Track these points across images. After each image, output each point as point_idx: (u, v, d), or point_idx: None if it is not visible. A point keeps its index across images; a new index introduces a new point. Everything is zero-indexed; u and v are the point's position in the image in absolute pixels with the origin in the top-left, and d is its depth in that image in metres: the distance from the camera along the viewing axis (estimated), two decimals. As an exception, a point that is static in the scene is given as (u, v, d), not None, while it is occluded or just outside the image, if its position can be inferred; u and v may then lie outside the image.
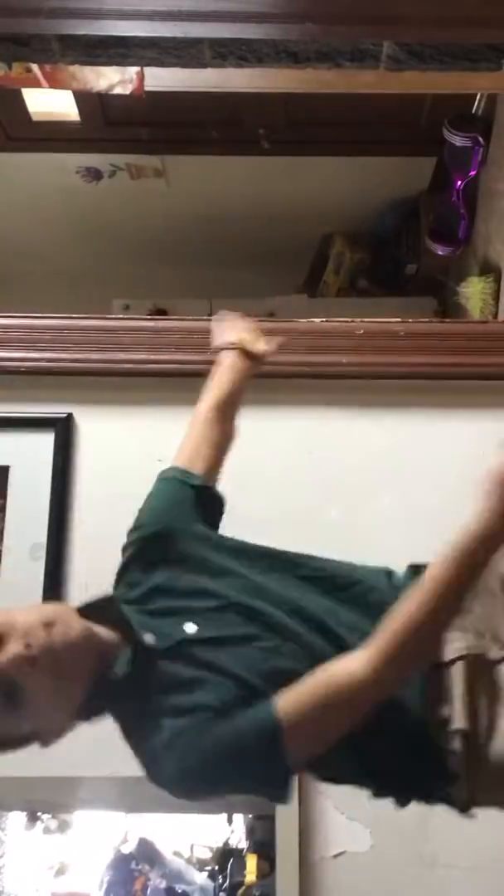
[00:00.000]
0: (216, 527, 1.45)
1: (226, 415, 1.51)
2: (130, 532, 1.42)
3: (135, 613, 1.25)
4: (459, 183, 3.64)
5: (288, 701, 1.12)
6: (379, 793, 1.31)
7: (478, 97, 3.48)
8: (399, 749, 1.22)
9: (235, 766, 1.14)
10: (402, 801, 1.29)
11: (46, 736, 1.23)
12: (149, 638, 1.20)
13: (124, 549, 1.40)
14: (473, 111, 3.52)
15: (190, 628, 1.21)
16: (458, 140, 3.46)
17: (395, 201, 4.21)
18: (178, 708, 1.16)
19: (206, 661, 1.18)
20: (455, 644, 1.23)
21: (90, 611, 1.23)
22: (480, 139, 3.46)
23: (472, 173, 3.59)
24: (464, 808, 1.24)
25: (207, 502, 1.44)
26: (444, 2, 1.78)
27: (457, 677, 1.21)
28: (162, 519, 1.40)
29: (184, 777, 1.18)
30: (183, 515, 1.40)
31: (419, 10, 1.78)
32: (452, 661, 1.22)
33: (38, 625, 1.14)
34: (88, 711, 1.24)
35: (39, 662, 1.11)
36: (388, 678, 1.12)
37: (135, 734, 1.24)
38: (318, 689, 1.12)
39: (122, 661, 1.18)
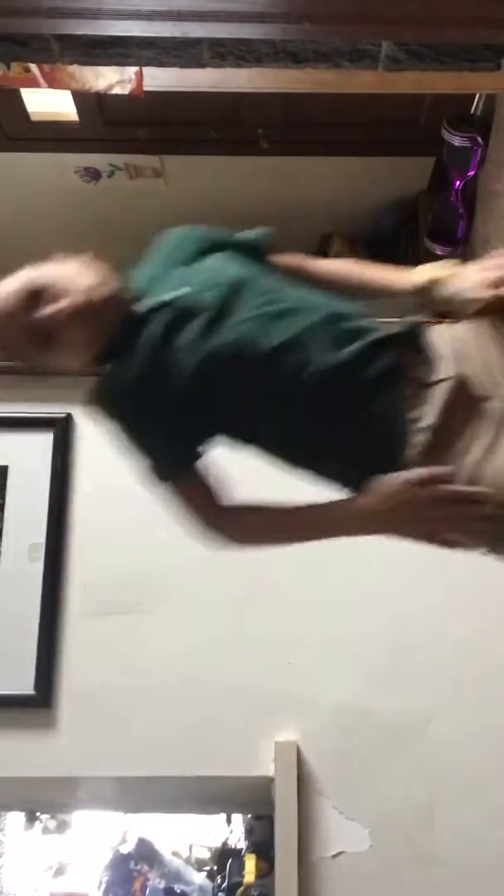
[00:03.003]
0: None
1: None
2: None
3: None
4: (458, 183, 3.64)
5: None
6: (322, 464, 1.37)
7: (477, 97, 3.48)
8: (364, 431, 1.31)
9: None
10: (347, 482, 1.35)
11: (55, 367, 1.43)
12: (147, 298, 1.37)
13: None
14: (472, 111, 3.52)
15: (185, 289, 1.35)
16: (456, 140, 3.46)
17: (393, 201, 4.21)
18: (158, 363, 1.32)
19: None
20: (446, 368, 1.31)
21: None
22: (479, 139, 3.46)
23: (471, 173, 3.58)
24: None
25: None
26: (443, 2, 1.78)
27: (440, 392, 1.29)
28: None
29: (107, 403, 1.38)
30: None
31: (418, 10, 1.78)
32: (440, 381, 1.29)
33: (85, 287, 1.33)
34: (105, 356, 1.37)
35: (80, 317, 1.31)
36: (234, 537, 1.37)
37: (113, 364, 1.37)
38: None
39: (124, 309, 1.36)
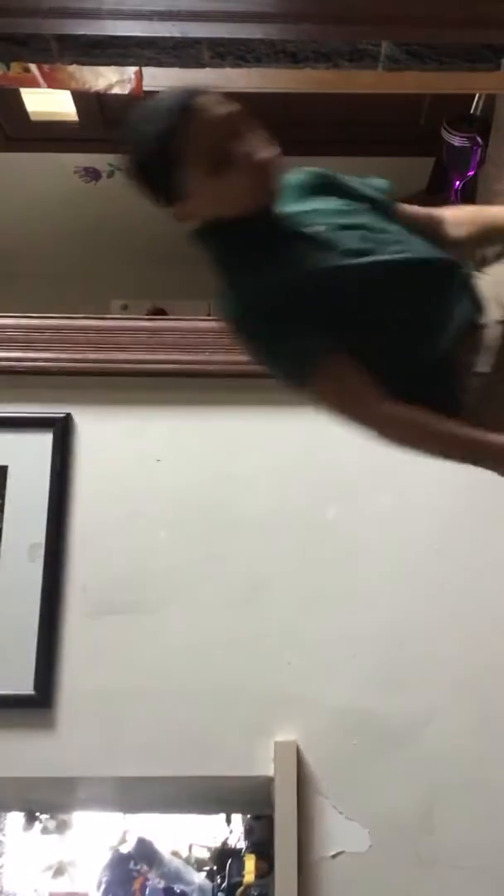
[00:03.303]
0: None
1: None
2: None
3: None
4: (458, 183, 3.64)
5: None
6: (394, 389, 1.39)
7: (476, 97, 3.48)
8: (424, 373, 1.36)
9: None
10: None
11: (186, 210, 1.40)
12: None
13: None
14: (472, 111, 3.52)
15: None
16: (456, 140, 3.46)
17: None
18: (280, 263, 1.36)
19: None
20: (498, 311, 1.37)
21: None
22: (479, 139, 3.46)
23: (471, 173, 3.59)
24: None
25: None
26: (442, 2, 1.78)
27: (491, 335, 1.35)
28: None
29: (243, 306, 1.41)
30: None
31: (417, 11, 1.78)
32: (493, 324, 1.36)
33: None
34: (214, 233, 1.43)
35: (261, 173, 1.36)
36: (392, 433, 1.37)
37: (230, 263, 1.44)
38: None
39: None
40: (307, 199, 1.47)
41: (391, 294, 1.35)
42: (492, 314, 1.38)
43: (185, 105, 1.32)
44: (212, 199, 1.37)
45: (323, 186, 1.51)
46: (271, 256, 1.37)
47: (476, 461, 1.40)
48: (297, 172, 1.53)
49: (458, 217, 1.60)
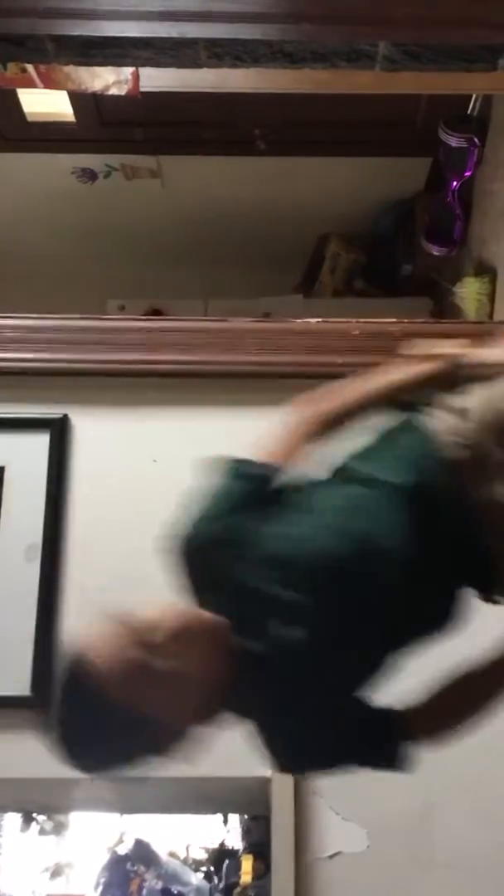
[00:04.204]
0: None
1: None
2: None
3: None
4: (455, 183, 3.64)
5: None
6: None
7: (473, 98, 3.48)
8: None
9: None
10: None
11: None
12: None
13: None
14: (469, 112, 3.53)
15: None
16: (453, 140, 3.46)
17: (390, 202, 4.21)
18: None
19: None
20: None
21: None
22: (476, 140, 3.46)
23: (468, 174, 3.59)
24: None
25: None
26: (439, 2, 1.78)
27: None
28: None
29: None
30: None
31: (415, 11, 1.78)
32: None
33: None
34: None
35: None
36: None
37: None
38: None
39: None
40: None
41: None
42: None
43: None
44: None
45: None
46: None
47: None
48: None
49: None
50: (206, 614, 1.25)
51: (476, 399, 1.36)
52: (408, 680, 1.31)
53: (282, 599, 1.22)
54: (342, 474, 1.37)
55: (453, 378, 1.42)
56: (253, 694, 1.25)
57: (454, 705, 1.32)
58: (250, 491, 1.36)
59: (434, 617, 1.33)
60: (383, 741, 1.28)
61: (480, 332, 2.41)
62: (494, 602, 1.38)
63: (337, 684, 1.24)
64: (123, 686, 1.15)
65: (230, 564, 1.29)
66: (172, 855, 3.73)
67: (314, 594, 1.21)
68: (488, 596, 1.37)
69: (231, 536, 1.31)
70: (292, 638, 1.20)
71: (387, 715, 1.28)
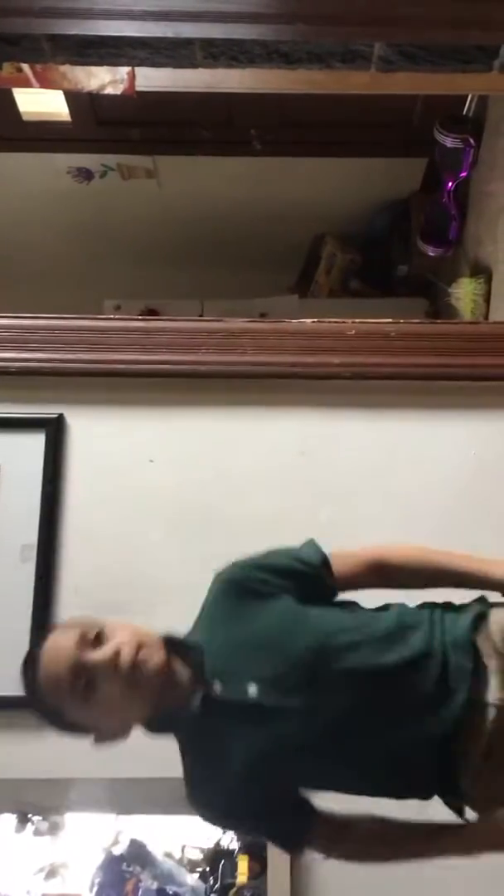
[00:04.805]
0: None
1: None
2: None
3: (211, 658, 1.37)
4: (450, 184, 3.65)
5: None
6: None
7: (469, 98, 3.49)
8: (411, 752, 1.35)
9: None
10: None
11: (101, 735, 1.40)
12: (217, 687, 1.34)
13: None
14: (464, 112, 3.53)
15: (252, 690, 1.32)
16: (449, 141, 3.47)
17: (386, 202, 4.22)
18: (222, 756, 1.33)
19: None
20: (495, 689, 1.30)
21: (176, 646, 1.39)
22: (471, 140, 3.47)
23: (463, 174, 3.59)
24: None
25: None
26: (435, 3, 1.78)
27: (489, 717, 1.30)
28: None
29: (209, 813, 1.45)
30: None
31: (410, 12, 1.78)
32: (488, 705, 1.30)
33: (132, 641, 1.32)
34: (159, 727, 1.42)
35: (121, 671, 1.29)
36: None
37: (186, 757, 1.42)
38: None
39: (195, 701, 1.34)
40: (217, 628, 1.42)
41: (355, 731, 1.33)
42: (492, 691, 1.30)
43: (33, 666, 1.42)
44: (107, 716, 1.35)
45: (240, 595, 1.45)
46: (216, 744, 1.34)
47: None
48: (213, 590, 1.51)
49: (404, 560, 1.53)
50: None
51: None
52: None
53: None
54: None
55: None
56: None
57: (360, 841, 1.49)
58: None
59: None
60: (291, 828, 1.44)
61: (476, 333, 2.41)
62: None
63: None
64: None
65: None
66: (168, 855, 3.73)
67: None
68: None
69: None
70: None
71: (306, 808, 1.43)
